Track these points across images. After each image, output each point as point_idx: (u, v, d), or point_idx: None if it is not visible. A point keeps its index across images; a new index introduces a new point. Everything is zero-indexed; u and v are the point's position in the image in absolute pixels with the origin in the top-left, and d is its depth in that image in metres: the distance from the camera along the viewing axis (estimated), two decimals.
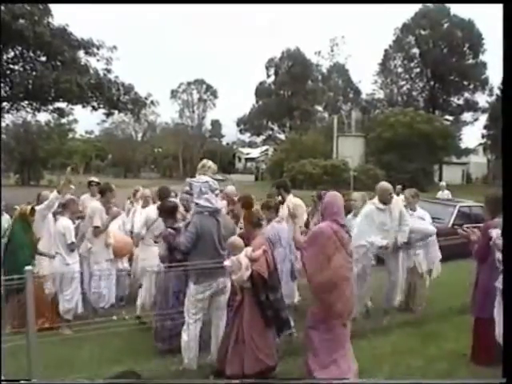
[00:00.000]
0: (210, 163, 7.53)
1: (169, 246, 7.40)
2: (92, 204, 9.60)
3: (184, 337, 6.76)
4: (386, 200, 8.88)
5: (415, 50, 71.25)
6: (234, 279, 6.48)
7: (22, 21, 22.72)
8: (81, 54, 26.29)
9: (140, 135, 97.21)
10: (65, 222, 8.93)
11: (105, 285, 9.20)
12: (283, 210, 8.65)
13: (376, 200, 8.96)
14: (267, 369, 6.34)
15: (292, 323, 7.17)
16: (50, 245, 8.98)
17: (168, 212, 7.88)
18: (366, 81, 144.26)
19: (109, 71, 27.11)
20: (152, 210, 9.33)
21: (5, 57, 25.82)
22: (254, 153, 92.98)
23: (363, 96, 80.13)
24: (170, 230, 7.64)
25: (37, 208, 9.10)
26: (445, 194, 21.67)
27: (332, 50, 79.02)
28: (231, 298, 7.09)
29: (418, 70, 72.27)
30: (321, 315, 6.25)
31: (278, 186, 9.53)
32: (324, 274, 6.13)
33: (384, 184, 9.26)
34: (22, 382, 1.24)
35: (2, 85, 27.04)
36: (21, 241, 8.66)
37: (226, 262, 6.52)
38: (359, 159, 54.09)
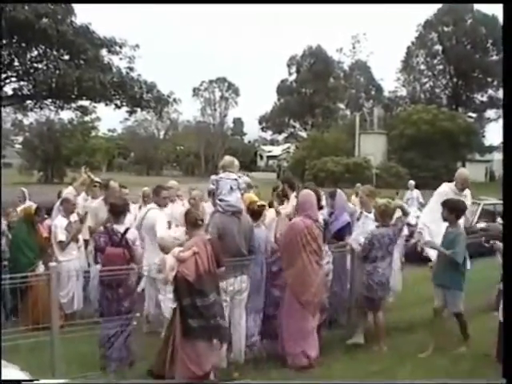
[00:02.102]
0: (237, 161, 7.52)
1: (95, 244, 7.15)
2: (94, 204, 9.21)
3: None
4: (466, 187, 8.77)
5: (438, 47, 70.67)
6: (159, 278, 6.37)
7: (45, 20, 22.86)
8: (104, 52, 26.42)
9: (162, 133, 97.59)
10: (57, 221, 8.89)
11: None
12: (288, 207, 8.49)
13: (452, 184, 8.83)
14: (196, 378, 6.03)
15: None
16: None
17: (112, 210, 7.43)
18: (389, 78, 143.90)
19: (131, 69, 27.23)
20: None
21: (28, 55, 26.06)
22: (276, 151, 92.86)
23: (385, 93, 79.66)
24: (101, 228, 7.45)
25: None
26: (414, 194, 19.26)
27: (354, 47, 78.51)
28: None
29: (440, 66, 71.70)
30: (294, 305, 6.86)
31: (284, 182, 9.20)
32: (294, 267, 6.88)
33: (464, 171, 9.21)
34: (23, 382, 1.25)
35: (26, 83, 27.30)
36: (23, 241, 8.66)
37: (156, 260, 6.43)
38: (381, 157, 53.83)
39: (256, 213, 7.52)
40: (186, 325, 6.02)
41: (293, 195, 8.40)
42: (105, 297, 6.85)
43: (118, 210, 7.27)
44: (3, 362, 1.67)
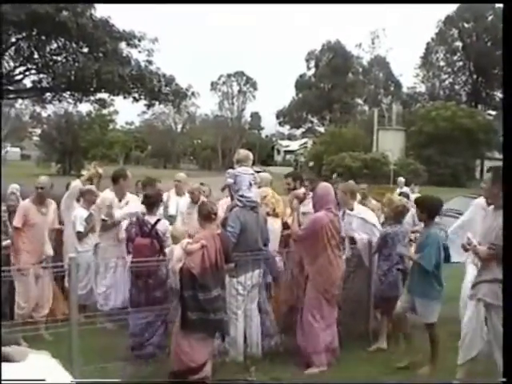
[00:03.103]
0: (251, 154, 7.49)
1: (128, 236, 7.19)
2: (102, 194, 8.72)
3: (231, 331, 6.67)
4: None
5: (458, 43, 70.29)
6: (169, 268, 6.22)
7: (65, 13, 22.90)
8: (122, 45, 26.39)
9: (180, 126, 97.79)
10: (76, 211, 8.86)
11: (111, 284, 8.40)
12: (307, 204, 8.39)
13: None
14: (189, 369, 6.02)
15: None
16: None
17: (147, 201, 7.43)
18: (408, 74, 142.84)
19: (150, 63, 27.18)
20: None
21: (48, 48, 26.12)
22: (293, 145, 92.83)
23: (404, 89, 79.43)
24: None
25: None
26: (404, 191, 17.00)
27: (373, 43, 78.30)
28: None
29: (460, 63, 71.32)
30: (318, 300, 6.74)
31: (295, 179, 8.60)
32: (319, 262, 6.72)
33: None
34: (23, 382, 1.23)
35: (45, 76, 27.39)
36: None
37: (165, 250, 6.42)
38: (399, 153, 53.57)
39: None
40: (185, 317, 6.00)
41: (301, 190, 8.09)
42: (135, 287, 6.94)
43: (151, 201, 7.36)
44: (32, 350, 1.62)
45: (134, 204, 8.38)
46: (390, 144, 53.66)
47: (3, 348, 1.50)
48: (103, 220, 8.34)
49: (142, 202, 7.55)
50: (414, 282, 6.83)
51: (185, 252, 6.04)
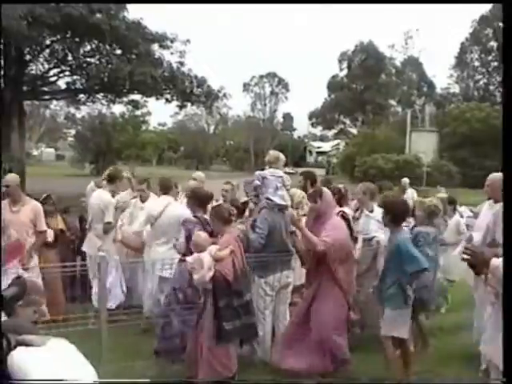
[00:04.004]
0: (282, 156, 7.46)
1: (188, 234, 6.72)
2: (103, 196, 8.67)
3: (259, 331, 6.57)
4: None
5: (493, 43, 69.29)
6: (194, 279, 5.89)
7: (98, 15, 23.21)
8: (155, 47, 26.66)
9: (212, 128, 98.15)
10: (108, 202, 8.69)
11: (110, 283, 8.29)
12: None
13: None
14: (224, 380, 5.85)
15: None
16: None
17: (200, 200, 7.26)
18: (441, 75, 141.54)
19: (182, 64, 27.41)
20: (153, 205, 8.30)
21: (82, 50, 26.51)
22: (326, 147, 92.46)
23: (438, 90, 78.52)
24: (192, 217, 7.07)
25: None
26: (409, 193, 16.34)
27: (406, 43, 77.62)
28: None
29: (495, 63, 70.27)
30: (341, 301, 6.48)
31: (306, 178, 8.49)
32: (347, 264, 6.53)
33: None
34: (23, 382, 1.24)
35: (79, 77, 27.79)
36: None
37: (188, 259, 5.99)
38: (432, 155, 53.04)
39: (238, 210, 7.47)
40: (220, 327, 5.83)
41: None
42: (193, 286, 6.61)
43: (203, 200, 7.24)
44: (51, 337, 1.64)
45: (153, 206, 8.34)
46: (423, 145, 53.14)
47: (24, 336, 1.53)
48: (108, 223, 8.39)
49: (188, 201, 7.45)
50: (381, 292, 6.43)
51: (215, 259, 5.84)
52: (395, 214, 6.39)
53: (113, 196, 8.74)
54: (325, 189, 6.81)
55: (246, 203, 7.55)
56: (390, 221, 6.42)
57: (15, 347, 1.39)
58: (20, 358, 1.35)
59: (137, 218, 8.88)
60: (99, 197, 8.59)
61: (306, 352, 6.38)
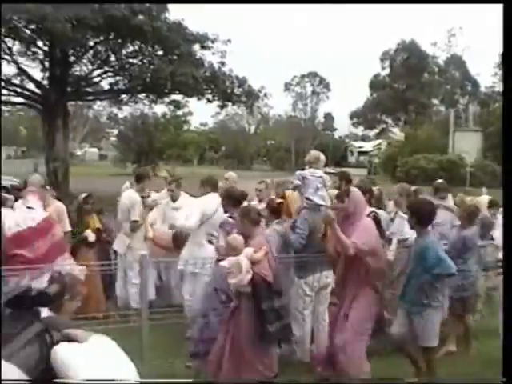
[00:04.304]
0: (323, 156, 7.45)
1: (228, 236, 6.67)
2: (130, 195, 8.81)
3: (296, 332, 6.60)
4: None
5: None
6: (231, 283, 5.81)
7: (141, 16, 23.47)
8: (196, 47, 26.79)
9: (253, 127, 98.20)
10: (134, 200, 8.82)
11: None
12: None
13: None
14: (267, 381, 5.83)
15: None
16: None
17: (234, 199, 7.33)
18: (485, 73, 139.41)
19: (223, 64, 27.49)
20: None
21: (124, 51, 26.83)
22: (367, 146, 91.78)
23: (482, 89, 77.22)
24: (229, 219, 7.10)
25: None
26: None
27: (449, 41, 76.46)
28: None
29: None
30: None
31: (341, 178, 8.61)
32: (379, 266, 6.30)
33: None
34: (22, 382, 1.26)
35: (122, 78, 28.13)
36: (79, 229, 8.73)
37: (224, 263, 5.88)
38: (476, 155, 52.25)
39: (275, 210, 7.39)
40: (264, 329, 5.78)
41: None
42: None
43: (239, 201, 7.34)
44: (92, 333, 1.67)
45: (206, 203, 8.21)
46: (467, 145, 52.39)
47: (67, 330, 1.57)
48: (135, 221, 8.49)
49: (222, 202, 7.54)
50: (411, 297, 6.21)
51: (251, 262, 5.77)
52: (421, 216, 6.22)
53: (147, 196, 8.86)
54: (353, 188, 6.64)
55: (282, 203, 7.47)
56: (417, 223, 6.25)
57: (58, 342, 1.41)
58: (63, 353, 1.37)
59: (170, 217, 8.87)
60: (127, 196, 8.75)
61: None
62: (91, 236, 8.90)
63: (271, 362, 5.95)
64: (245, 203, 7.77)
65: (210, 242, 7.67)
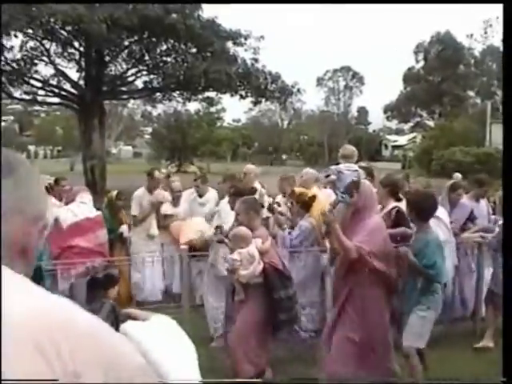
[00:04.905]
0: (356, 150, 7.49)
1: None
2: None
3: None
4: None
5: None
6: (242, 275, 5.75)
7: (174, 15, 23.62)
8: (229, 44, 26.83)
9: (286, 123, 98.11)
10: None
11: (143, 276, 8.78)
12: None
13: None
14: (258, 374, 5.80)
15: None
16: None
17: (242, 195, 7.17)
18: None
19: (256, 60, 27.47)
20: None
21: (158, 50, 27.00)
22: (402, 140, 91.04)
23: None
24: None
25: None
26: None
27: (485, 32, 75.12)
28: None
29: None
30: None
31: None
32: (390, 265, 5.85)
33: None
34: (23, 381, 1.28)
35: (156, 76, 28.34)
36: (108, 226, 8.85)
37: (234, 256, 5.85)
38: None
39: (306, 204, 7.33)
40: (277, 319, 5.84)
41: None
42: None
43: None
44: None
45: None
46: None
47: (126, 309, 1.62)
48: (133, 216, 8.86)
49: (230, 197, 7.60)
50: (404, 295, 5.96)
51: (261, 252, 5.82)
52: (421, 210, 5.88)
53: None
54: (364, 181, 6.26)
55: (313, 197, 7.50)
56: (416, 217, 5.93)
57: (122, 322, 1.47)
58: (132, 329, 1.43)
59: (197, 212, 8.94)
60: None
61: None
62: (126, 231, 9.10)
63: (265, 355, 6.00)
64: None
65: None
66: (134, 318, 1.51)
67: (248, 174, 9.14)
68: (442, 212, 7.54)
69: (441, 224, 7.38)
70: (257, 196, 8.00)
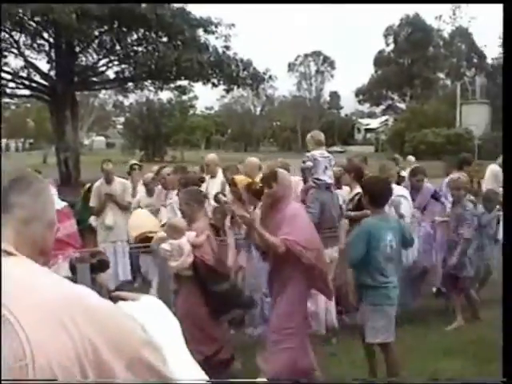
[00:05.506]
0: (323, 135, 7.76)
1: None
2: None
3: (311, 306, 6.64)
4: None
5: None
6: (172, 266, 5.78)
7: (144, 5, 23.56)
8: (200, 32, 26.81)
9: (259, 109, 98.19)
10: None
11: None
12: None
13: None
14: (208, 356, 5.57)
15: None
16: None
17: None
18: (493, 44, 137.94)
19: (227, 48, 27.50)
20: None
21: (129, 40, 26.90)
22: (374, 123, 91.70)
23: (489, 60, 76.54)
24: None
25: None
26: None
27: (454, 14, 75.57)
28: None
29: None
30: None
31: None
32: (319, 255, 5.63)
33: None
34: (23, 381, 1.39)
35: (127, 66, 28.22)
36: (82, 218, 8.92)
37: (165, 246, 5.81)
38: (484, 127, 52.11)
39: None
40: (213, 312, 5.84)
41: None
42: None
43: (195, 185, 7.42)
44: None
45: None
46: (475, 118, 52.29)
47: (117, 292, 1.78)
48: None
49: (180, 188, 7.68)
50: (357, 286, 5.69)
51: (193, 245, 5.72)
52: (375, 196, 5.62)
53: None
54: (281, 170, 6.04)
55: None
56: (370, 203, 5.68)
57: (114, 303, 1.59)
58: (127, 308, 1.56)
59: None
60: None
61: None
62: (94, 222, 9.38)
63: (219, 342, 5.94)
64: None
65: None
66: (124, 299, 1.66)
67: (210, 163, 8.96)
68: (405, 192, 7.70)
69: (406, 202, 7.46)
70: (204, 187, 8.16)
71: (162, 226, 6.85)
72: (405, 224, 6.27)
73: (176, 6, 25.71)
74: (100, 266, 3.24)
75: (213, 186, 8.43)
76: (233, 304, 6.06)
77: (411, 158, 12.29)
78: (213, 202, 7.93)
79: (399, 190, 7.27)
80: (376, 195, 5.58)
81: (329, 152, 7.96)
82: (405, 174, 9.74)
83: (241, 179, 7.42)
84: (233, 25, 27.22)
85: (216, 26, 26.72)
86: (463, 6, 74.57)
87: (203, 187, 8.36)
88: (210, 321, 5.83)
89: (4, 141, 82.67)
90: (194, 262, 5.68)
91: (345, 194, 7.97)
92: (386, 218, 5.72)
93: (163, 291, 6.86)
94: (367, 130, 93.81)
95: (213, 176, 8.72)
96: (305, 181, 7.68)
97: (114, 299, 1.63)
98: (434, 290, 8.52)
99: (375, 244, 5.33)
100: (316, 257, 5.39)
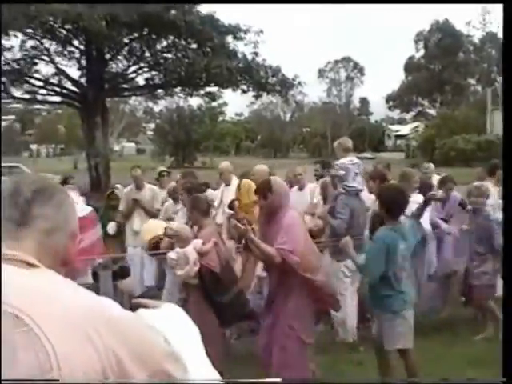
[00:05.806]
0: (351, 142, 7.77)
1: None
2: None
3: (337, 314, 6.67)
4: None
5: None
6: (178, 274, 5.75)
7: (173, 11, 23.69)
8: (229, 39, 26.88)
9: (288, 115, 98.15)
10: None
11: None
12: None
13: None
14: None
15: None
16: None
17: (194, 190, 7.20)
18: None
19: (256, 54, 27.51)
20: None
21: (159, 46, 27.08)
22: (404, 130, 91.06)
23: None
24: None
25: None
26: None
27: (484, 19, 74.92)
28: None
29: None
30: None
31: (324, 165, 9.23)
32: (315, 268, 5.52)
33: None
34: (23, 381, 1.37)
35: (157, 73, 28.40)
36: (103, 222, 8.92)
37: (171, 254, 5.79)
38: None
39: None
40: (219, 321, 5.80)
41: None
42: None
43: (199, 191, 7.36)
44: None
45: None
46: None
47: (138, 299, 1.76)
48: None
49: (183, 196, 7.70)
50: (373, 295, 5.62)
51: (200, 253, 5.69)
52: (391, 206, 5.42)
53: None
54: (275, 179, 5.94)
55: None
56: (385, 213, 5.46)
57: (131, 309, 1.58)
58: (147, 317, 1.55)
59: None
60: None
61: None
62: (111, 229, 9.32)
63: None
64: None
65: None
66: (145, 307, 1.64)
67: (224, 171, 8.90)
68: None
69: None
70: (218, 194, 8.30)
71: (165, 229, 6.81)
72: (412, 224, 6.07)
73: (205, 12, 25.83)
74: (121, 272, 3.25)
75: (227, 193, 8.39)
76: (237, 316, 5.99)
77: (430, 165, 12.12)
78: (227, 210, 7.96)
79: (419, 199, 7.03)
80: (390, 204, 5.41)
81: (359, 158, 7.97)
82: (434, 182, 9.56)
83: (244, 183, 7.52)
84: (261, 31, 27.25)
85: (245, 33, 26.76)
86: (493, 11, 73.84)
87: (215, 194, 8.61)
88: (215, 330, 5.71)
89: (35, 146, 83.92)
90: (200, 271, 5.68)
91: (370, 201, 7.72)
92: (401, 227, 5.51)
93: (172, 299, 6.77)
94: (397, 137, 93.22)
95: (227, 184, 8.69)
96: (334, 187, 7.72)
97: (135, 307, 1.62)
98: (463, 298, 8.40)
99: (392, 256, 5.24)
100: (312, 267, 5.32)
